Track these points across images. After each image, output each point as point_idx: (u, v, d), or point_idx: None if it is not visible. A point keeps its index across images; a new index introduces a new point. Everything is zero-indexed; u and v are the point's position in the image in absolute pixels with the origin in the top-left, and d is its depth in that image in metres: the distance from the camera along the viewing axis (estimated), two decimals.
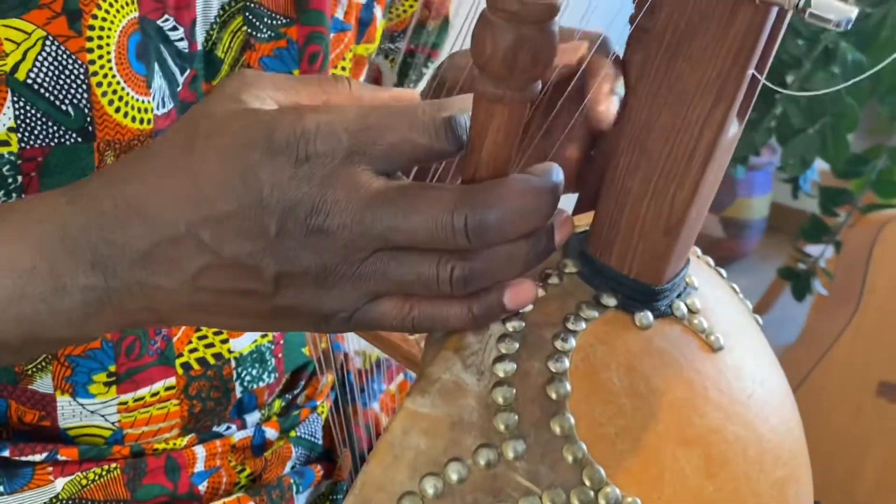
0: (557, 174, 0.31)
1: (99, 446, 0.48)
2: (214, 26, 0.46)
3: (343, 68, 0.53)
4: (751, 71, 0.29)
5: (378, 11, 0.55)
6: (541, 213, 0.31)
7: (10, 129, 0.40)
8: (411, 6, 0.60)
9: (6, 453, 0.45)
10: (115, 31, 0.41)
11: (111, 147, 0.42)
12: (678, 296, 0.35)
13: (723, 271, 0.43)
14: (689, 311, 0.35)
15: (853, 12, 0.26)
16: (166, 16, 0.44)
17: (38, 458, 0.46)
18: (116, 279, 0.31)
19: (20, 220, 0.32)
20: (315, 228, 0.29)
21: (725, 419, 0.33)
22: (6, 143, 0.40)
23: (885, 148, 1.70)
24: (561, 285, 0.34)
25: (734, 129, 0.31)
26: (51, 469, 0.46)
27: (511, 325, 0.32)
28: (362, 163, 0.30)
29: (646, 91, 0.30)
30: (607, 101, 0.39)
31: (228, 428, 0.52)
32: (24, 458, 0.46)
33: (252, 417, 0.54)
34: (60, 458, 0.46)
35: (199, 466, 0.50)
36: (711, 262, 0.42)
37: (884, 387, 1.66)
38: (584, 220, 0.39)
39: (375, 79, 0.62)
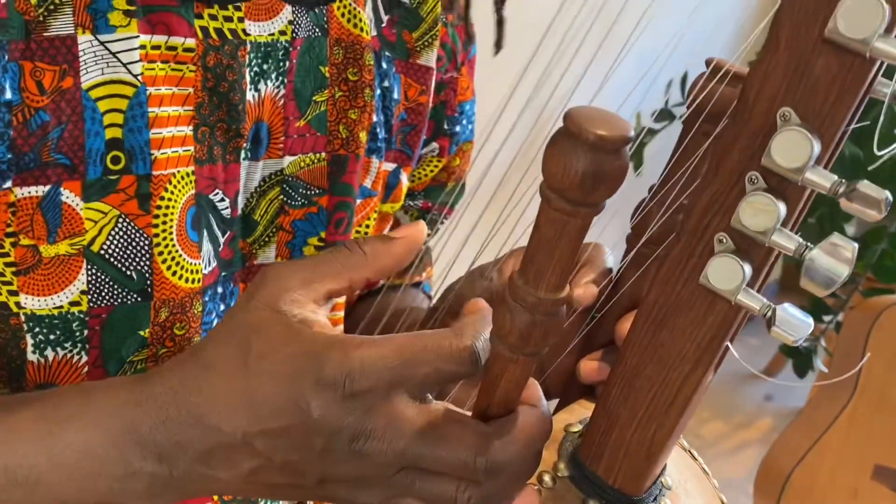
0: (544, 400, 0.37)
1: None
2: (254, 195, 0.52)
3: (367, 226, 0.59)
4: (726, 343, 0.34)
5: (404, 177, 0.61)
6: (544, 437, 0.36)
7: (83, 292, 0.45)
8: (432, 171, 0.65)
9: None
10: (177, 208, 0.47)
11: (166, 305, 0.48)
12: (654, 499, 0.40)
13: (695, 452, 0.48)
14: None
15: (811, 327, 0.31)
16: (218, 191, 0.49)
17: None
18: (179, 470, 0.37)
19: (95, 412, 0.38)
20: (356, 450, 0.35)
21: None
22: (77, 304, 0.45)
23: (885, 232, 1.74)
24: (554, 489, 0.39)
25: (709, 378, 0.37)
26: None
27: None
28: (400, 392, 0.35)
29: (635, 346, 0.36)
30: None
31: None
32: None
33: None
34: None
35: None
36: (685, 444, 0.47)
37: (880, 470, 1.69)
38: (577, 415, 0.44)
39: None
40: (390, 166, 0.60)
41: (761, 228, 0.30)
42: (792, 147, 0.28)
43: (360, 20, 0.54)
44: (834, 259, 0.28)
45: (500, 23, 0.52)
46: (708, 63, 0.40)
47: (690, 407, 0.36)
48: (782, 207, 0.29)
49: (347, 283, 0.39)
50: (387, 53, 0.57)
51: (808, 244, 0.29)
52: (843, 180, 0.28)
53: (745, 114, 0.30)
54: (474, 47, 0.64)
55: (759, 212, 0.30)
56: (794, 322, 0.31)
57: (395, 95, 0.58)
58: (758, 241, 0.30)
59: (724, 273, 0.31)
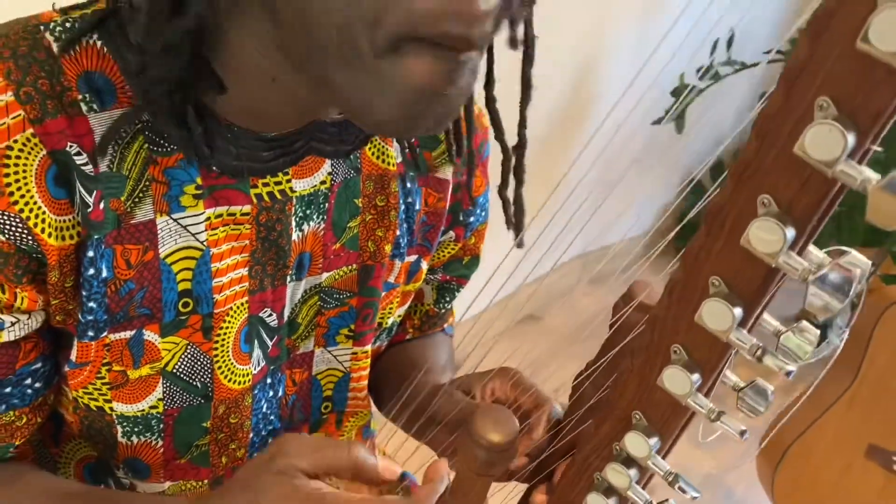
0: None
1: None
2: (297, 305, 0.63)
3: (390, 309, 0.69)
4: None
5: (424, 264, 0.71)
6: None
7: (159, 399, 0.59)
8: (450, 253, 0.74)
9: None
10: (233, 332, 0.59)
11: (223, 402, 0.61)
12: None
13: None
14: None
15: None
16: (267, 309, 0.61)
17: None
18: None
19: None
20: None
21: None
22: (155, 407, 0.59)
23: None
24: None
25: None
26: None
27: None
28: None
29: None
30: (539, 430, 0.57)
31: None
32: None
33: None
34: None
35: None
36: None
37: (873, 449, 1.80)
38: None
39: (417, 296, 0.77)
40: (412, 258, 0.69)
41: (619, 486, 0.41)
42: (636, 442, 0.39)
43: (388, 155, 0.63)
44: None
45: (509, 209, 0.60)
46: (630, 290, 0.50)
47: None
48: (634, 475, 0.41)
49: (343, 477, 0.50)
50: (410, 173, 0.66)
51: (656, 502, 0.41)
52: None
53: (610, 406, 0.41)
54: (488, 149, 0.72)
55: (617, 475, 0.41)
56: None
57: (417, 206, 0.67)
58: (619, 490, 0.42)
59: None
